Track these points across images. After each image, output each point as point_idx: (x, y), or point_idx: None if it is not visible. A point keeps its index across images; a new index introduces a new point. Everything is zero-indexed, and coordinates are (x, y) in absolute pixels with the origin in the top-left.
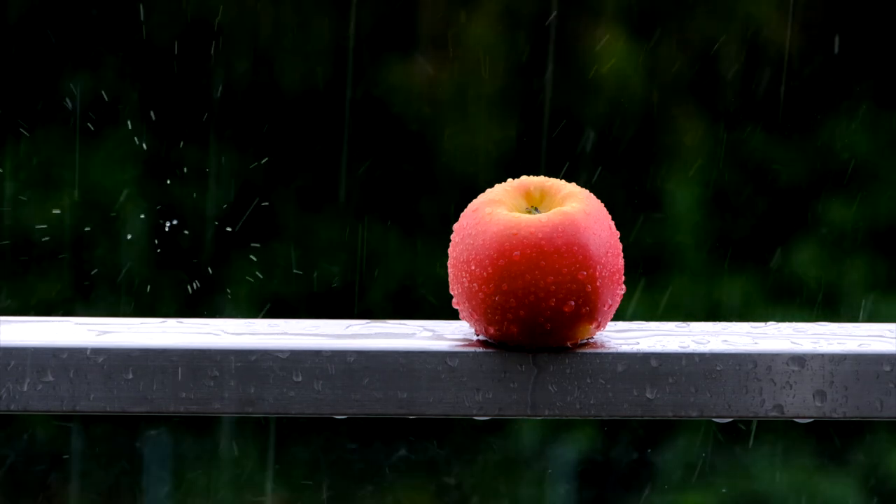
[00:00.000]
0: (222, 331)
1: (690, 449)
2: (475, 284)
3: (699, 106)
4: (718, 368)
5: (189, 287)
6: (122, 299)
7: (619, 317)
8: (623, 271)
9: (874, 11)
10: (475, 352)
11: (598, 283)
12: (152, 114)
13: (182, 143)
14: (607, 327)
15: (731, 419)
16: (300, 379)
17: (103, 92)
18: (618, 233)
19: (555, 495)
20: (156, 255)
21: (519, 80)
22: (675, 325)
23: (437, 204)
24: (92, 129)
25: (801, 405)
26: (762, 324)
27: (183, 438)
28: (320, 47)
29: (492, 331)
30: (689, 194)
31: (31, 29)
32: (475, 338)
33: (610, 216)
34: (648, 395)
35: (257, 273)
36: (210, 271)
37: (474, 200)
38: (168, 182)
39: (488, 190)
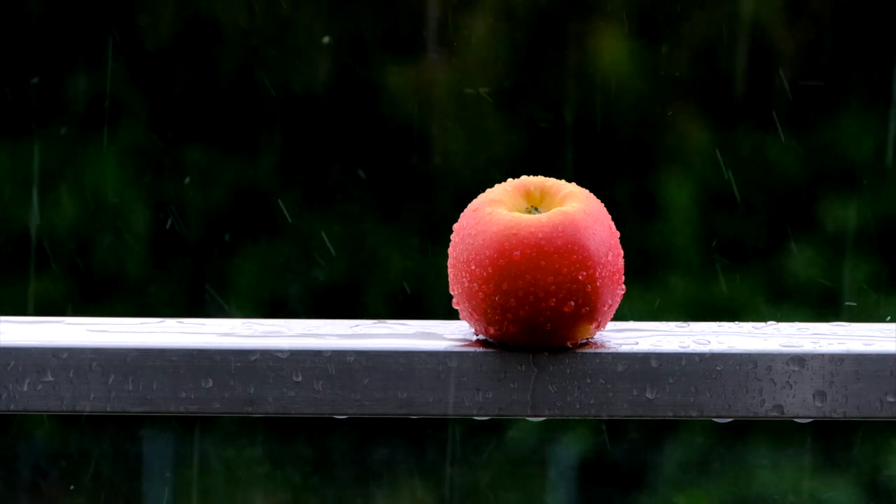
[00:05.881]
0: (222, 331)
1: (690, 449)
2: (475, 284)
3: (699, 106)
4: (718, 368)
5: (189, 287)
6: (123, 299)
7: (619, 316)
8: (623, 271)
9: (874, 10)
10: (475, 352)
11: (598, 284)
12: (152, 114)
13: (182, 143)
14: (607, 327)
15: (731, 419)
16: (300, 379)
17: (104, 92)
18: (618, 233)
19: (555, 495)
20: (156, 255)
21: (519, 79)
22: (675, 325)
23: (436, 204)
24: (92, 128)
25: (801, 405)
26: (762, 324)
27: (183, 438)
28: (320, 46)
29: (492, 331)
30: (688, 194)
31: (32, 28)
32: (475, 338)
33: (610, 216)
34: (648, 395)
35: (257, 273)
36: (210, 271)
37: (474, 200)
38: (168, 182)
39: (488, 190)
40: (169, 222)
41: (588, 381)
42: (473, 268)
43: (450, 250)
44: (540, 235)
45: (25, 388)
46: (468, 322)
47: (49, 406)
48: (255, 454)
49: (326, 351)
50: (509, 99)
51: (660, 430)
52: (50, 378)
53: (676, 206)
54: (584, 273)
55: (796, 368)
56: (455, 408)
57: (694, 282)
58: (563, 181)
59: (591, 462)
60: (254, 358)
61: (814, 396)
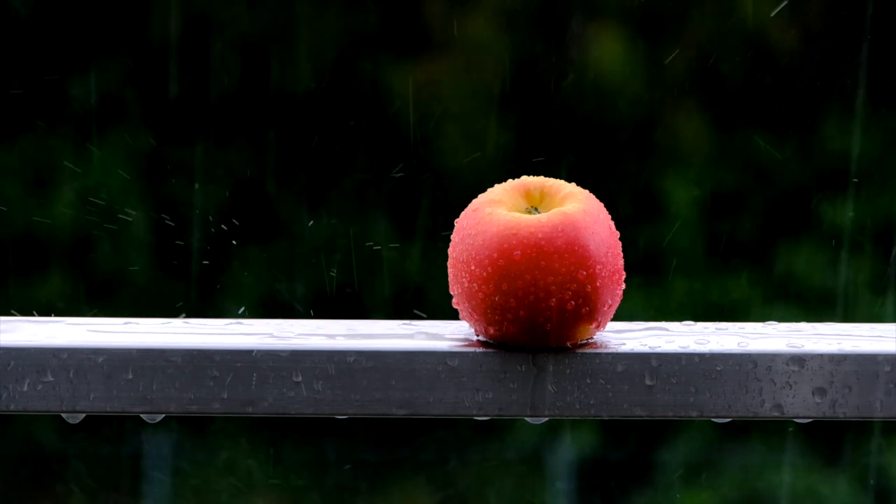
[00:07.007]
0: (222, 331)
1: (690, 449)
2: (475, 284)
3: (699, 105)
4: (718, 368)
5: (189, 287)
6: (123, 299)
7: (619, 316)
8: (623, 271)
9: (874, 11)
10: (475, 352)
11: (598, 283)
12: (152, 114)
13: (182, 143)
14: (607, 327)
15: (731, 419)
16: (300, 379)
17: (104, 92)
18: (618, 233)
19: (555, 495)
20: (156, 255)
21: (519, 79)
22: (675, 325)
23: (436, 204)
24: (92, 128)
25: (801, 405)
26: (762, 324)
27: (183, 438)
28: (320, 46)
29: (492, 331)
30: (688, 194)
31: (32, 28)
32: (475, 338)
33: (610, 216)
34: (648, 396)
35: (257, 273)
36: (210, 271)
37: (474, 200)
38: (168, 182)
39: (488, 190)
40: (169, 222)
41: (588, 381)
42: (473, 268)
43: (450, 250)
44: (540, 235)
45: (25, 388)
46: (468, 322)
47: (49, 406)
48: (255, 454)
49: (326, 351)
50: (509, 98)
51: (660, 430)
52: (50, 378)
53: (676, 205)
54: (584, 273)
55: (796, 368)
56: (455, 408)
57: (694, 282)
58: (562, 181)
59: (591, 462)
60: (254, 358)
61: (814, 396)
